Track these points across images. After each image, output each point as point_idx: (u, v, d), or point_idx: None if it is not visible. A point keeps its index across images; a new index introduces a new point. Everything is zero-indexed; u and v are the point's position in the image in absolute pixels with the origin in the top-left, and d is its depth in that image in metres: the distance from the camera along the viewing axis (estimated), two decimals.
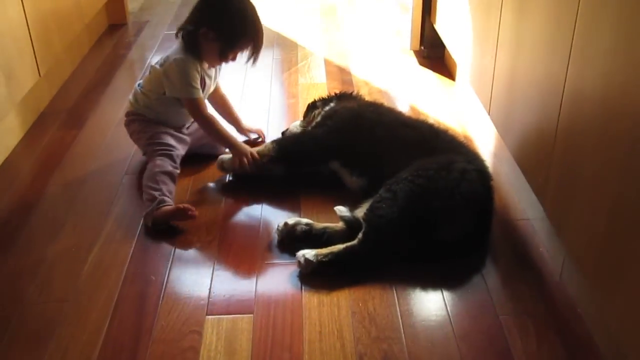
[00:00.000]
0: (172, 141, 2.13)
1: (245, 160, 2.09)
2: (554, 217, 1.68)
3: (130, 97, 2.23)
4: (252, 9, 2.09)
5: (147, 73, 2.21)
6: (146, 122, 2.17)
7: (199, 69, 2.09)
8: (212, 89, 2.25)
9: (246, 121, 2.45)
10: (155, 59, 3.18)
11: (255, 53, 2.11)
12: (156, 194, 1.95)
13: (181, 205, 1.92)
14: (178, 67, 2.06)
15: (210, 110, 2.23)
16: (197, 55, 2.08)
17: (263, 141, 2.40)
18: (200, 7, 2.08)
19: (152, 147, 2.11)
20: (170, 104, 2.13)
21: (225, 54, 2.08)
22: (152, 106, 2.16)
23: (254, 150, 2.12)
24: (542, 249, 1.84)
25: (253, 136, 2.43)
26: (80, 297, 1.70)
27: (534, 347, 1.53)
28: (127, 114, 2.24)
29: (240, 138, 2.32)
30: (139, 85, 2.21)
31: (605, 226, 1.37)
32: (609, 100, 1.34)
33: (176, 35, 2.12)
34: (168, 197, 1.96)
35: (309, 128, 2.23)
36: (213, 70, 2.20)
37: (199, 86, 2.08)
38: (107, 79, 3.03)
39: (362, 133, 2.07)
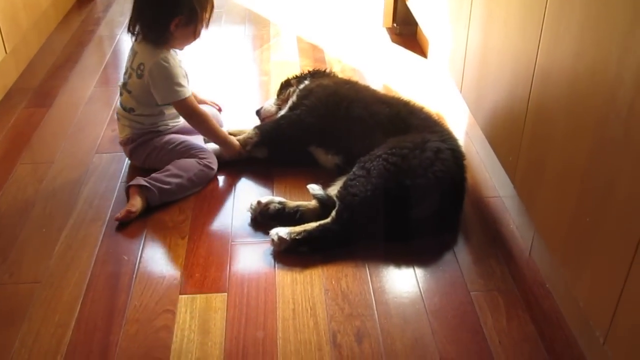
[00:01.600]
0: (196, 141, 2.09)
1: (236, 155, 2.10)
2: (524, 194, 1.70)
3: (123, 125, 2.07)
4: None
5: (120, 94, 2.07)
6: (156, 136, 2.06)
7: (180, 64, 2.01)
8: None
9: (201, 93, 2.37)
10: (125, 36, 3.16)
11: (212, 12, 2.04)
12: (169, 186, 1.94)
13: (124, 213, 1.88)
14: (159, 70, 1.95)
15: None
16: (171, 46, 2.00)
17: (220, 110, 2.37)
18: (156, 4, 1.95)
19: (180, 148, 2.05)
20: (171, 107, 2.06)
21: (198, 29, 2.00)
22: (156, 120, 2.06)
23: (242, 139, 2.12)
24: (512, 226, 1.87)
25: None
26: (52, 278, 1.68)
27: (504, 322, 1.55)
28: (128, 141, 2.07)
29: None
30: (129, 110, 2.04)
31: (573, 204, 1.39)
32: (578, 79, 1.36)
33: (135, 37, 2.01)
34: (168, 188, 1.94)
35: (286, 111, 2.21)
36: (177, 52, 2.08)
37: (186, 83, 2.00)
38: (76, 56, 2.97)
39: (339, 110, 2.07)
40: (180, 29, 1.96)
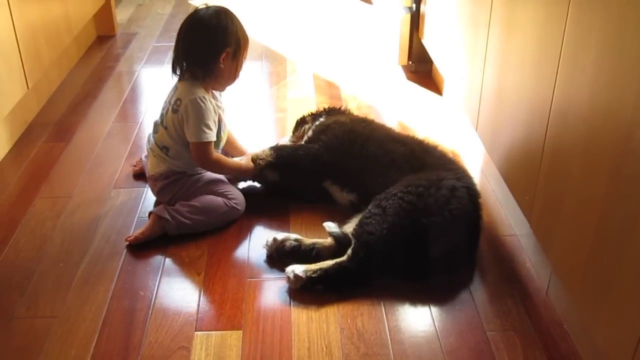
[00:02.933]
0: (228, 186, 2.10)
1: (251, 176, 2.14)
2: (541, 233, 1.69)
3: (157, 161, 2.07)
4: (234, 15, 2.06)
5: (155, 132, 2.07)
6: (188, 177, 2.06)
7: (214, 104, 2.02)
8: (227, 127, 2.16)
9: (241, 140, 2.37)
10: (144, 72, 3.22)
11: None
12: (190, 222, 1.96)
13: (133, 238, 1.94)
14: (194, 106, 1.96)
15: None
16: (214, 84, 2.05)
17: None
18: (206, 37, 1.99)
19: (209, 186, 2.06)
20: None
21: (240, 65, 2.05)
22: (191, 162, 2.05)
23: (254, 154, 2.13)
24: (529, 265, 1.86)
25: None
26: (68, 313, 1.69)
27: None
28: (160, 177, 2.05)
29: None
30: (162, 148, 2.04)
31: (591, 243, 1.38)
32: (594, 119, 1.36)
33: (174, 73, 2.04)
34: (185, 223, 1.96)
35: (304, 143, 2.23)
36: (221, 100, 2.13)
37: (213, 128, 1.99)
38: (95, 92, 3.02)
39: (354, 148, 2.08)
40: (227, 63, 2.01)
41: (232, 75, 2.06)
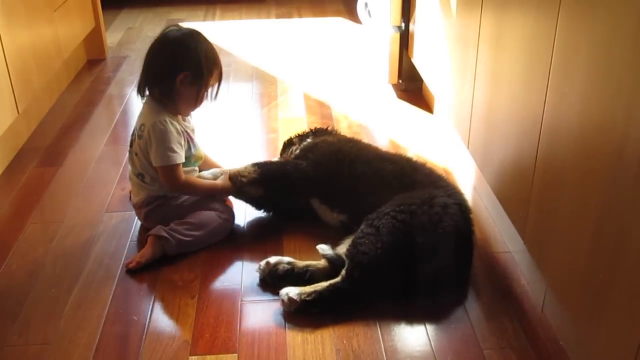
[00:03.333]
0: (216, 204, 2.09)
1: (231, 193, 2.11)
2: (535, 250, 1.69)
3: (137, 189, 2.07)
4: (208, 41, 2.03)
5: (130, 159, 2.07)
6: (172, 200, 2.05)
7: (178, 127, 1.99)
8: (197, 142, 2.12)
9: (213, 156, 2.33)
10: (134, 95, 3.19)
11: (219, 84, 2.07)
12: (189, 238, 1.96)
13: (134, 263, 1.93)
14: (155, 130, 1.95)
15: None
16: (174, 108, 2.00)
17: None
18: (168, 53, 1.98)
19: (197, 203, 2.05)
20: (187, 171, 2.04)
21: (202, 94, 2.01)
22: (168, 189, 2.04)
23: (233, 173, 2.08)
24: (523, 281, 1.86)
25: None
26: (61, 339, 1.67)
27: None
28: (142, 204, 2.06)
29: None
30: (138, 175, 2.04)
31: (585, 259, 1.38)
32: (585, 136, 1.37)
33: (142, 96, 2.02)
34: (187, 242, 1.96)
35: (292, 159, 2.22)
36: (189, 121, 2.10)
37: (178, 150, 1.96)
38: (86, 115, 3.02)
39: (343, 167, 2.08)
40: (185, 86, 1.97)
41: (192, 100, 2.01)
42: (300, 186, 2.10)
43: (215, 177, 2.10)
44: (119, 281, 1.88)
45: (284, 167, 2.15)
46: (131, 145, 2.06)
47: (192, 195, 2.06)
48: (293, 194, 2.13)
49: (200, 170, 2.15)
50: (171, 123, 1.97)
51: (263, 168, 2.11)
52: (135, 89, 2.05)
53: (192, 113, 2.12)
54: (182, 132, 2.00)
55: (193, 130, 2.10)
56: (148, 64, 2.01)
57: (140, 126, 2.00)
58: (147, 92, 2.02)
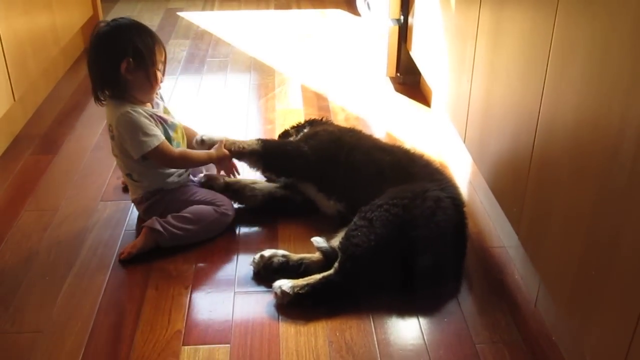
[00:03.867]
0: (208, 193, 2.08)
1: (229, 164, 2.09)
2: (529, 245, 1.70)
3: (132, 186, 2.07)
4: (134, 22, 1.98)
5: (116, 160, 2.08)
6: (169, 193, 2.04)
7: (144, 113, 1.94)
8: (176, 120, 2.08)
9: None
10: None
11: (165, 58, 2.00)
12: (182, 232, 1.95)
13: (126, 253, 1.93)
14: (123, 124, 1.92)
15: None
16: (133, 98, 1.96)
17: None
18: (103, 48, 1.94)
19: (196, 197, 2.04)
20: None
21: (153, 73, 1.95)
22: (161, 180, 2.03)
23: (234, 142, 2.08)
24: (517, 276, 1.86)
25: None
26: (54, 327, 1.67)
27: None
28: (141, 200, 2.05)
29: None
30: (127, 175, 2.04)
31: (579, 254, 1.39)
32: (581, 132, 1.37)
33: (99, 101, 1.98)
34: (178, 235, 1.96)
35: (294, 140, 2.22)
36: (157, 103, 2.06)
37: (154, 131, 1.93)
38: (83, 103, 3.00)
39: (341, 156, 2.08)
40: (131, 73, 1.92)
41: (145, 84, 1.96)
42: (298, 168, 2.11)
43: (210, 142, 2.07)
44: (112, 270, 1.88)
45: (285, 146, 2.17)
46: (112, 148, 2.05)
47: (190, 167, 2.08)
48: (291, 175, 2.13)
49: (195, 140, 2.11)
50: (134, 111, 1.93)
51: (266, 142, 2.13)
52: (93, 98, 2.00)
53: (159, 93, 2.08)
54: (152, 116, 1.96)
55: (168, 112, 2.07)
56: (91, 69, 1.97)
57: (109, 127, 1.99)
58: (101, 97, 1.98)
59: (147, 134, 1.92)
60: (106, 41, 1.94)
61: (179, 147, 2.05)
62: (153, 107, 2.02)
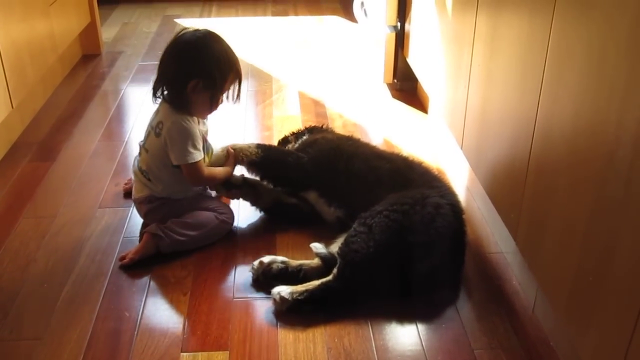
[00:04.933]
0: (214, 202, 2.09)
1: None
2: (526, 251, 1.70)
3: (141, 185, 2.04)
4: (224, 42, 1.99)
5: (139, 154, 2.05)
6: (173, 201, 2.04)
7: (199, 128, 1.98)
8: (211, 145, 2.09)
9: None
10: (129, 91, 3.22)
11: (239, 87, 2.03)
12: (184, 238, 1.96)
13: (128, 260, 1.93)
14: (177, 129, 1.92)
15: None
16: (190, 112, 1.96)
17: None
18: (179, 60, 1.94)
19: (198, 204, 2.05)
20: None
21: (217, 98, 1.97)
22: (172, 190, 2.02)
23: (237, 149, 2.08)
24: (515, 282, 1.87)
25: None
26: (53, 334, 1.67)
27: None
28: (145, 201, 2.03)
29: None
30: (144, 173, 2.02)
31: (576, 260, 1.39)
32: (578, 138, 1.38)
33: (155, 97, 1.99)
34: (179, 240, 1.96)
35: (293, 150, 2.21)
36: (204, 123, 2.07)
37: (200, 147, 1.96)
38: (81, 111, 3.01)
39: (340, 164, 2.08)
40: (197, 94, 1.93)
41: (206, 106, 1.98)
42: (297, 179, 2.11)
43: (224, 153, 2.08)
44: (111, 277, 1.88)
45: (285, 157, 2.15)
46: (144, 142, 2.03)
47: (212, 185, 2.09)
48: (289, 185, 2.13)
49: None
50: (192, 121, 1.95)
51: (265, 152, 2.11)
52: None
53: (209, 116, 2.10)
54: (200, 132, 1.98)
55: (207, 132, 2.08)
56: (161, 70, 1.98)
57: (158, 124, 1.97)
58: (159, 95, 1.99)
59: (195, 147, 1.93)
60: (185, 53, 1.93)
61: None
62: (199, 124, 2.02)
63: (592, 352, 1.35)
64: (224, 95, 2.01)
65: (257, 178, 2.13)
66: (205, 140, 2.04)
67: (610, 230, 1.25)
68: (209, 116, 2.09)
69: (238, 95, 2.03)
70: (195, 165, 1.94)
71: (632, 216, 1.18)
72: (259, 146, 2.13)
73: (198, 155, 1.95)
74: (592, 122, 1.31)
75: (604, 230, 1.27)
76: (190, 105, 1.96)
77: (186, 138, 1.93)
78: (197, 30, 1.97)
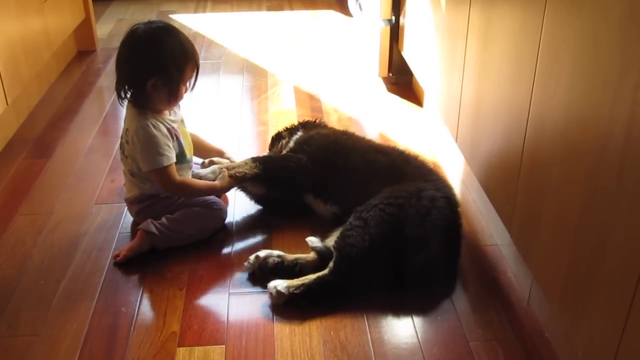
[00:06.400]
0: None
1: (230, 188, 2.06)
2: (521, 243, 1.71)
3: (130, 184, 2.04)
4: (178, 33, 1.93)
5: (122, 157, 2.04)
6: (165, 199, 2.03)
7: (163, 127, 1.92)
8: (188, 133, 2.08)
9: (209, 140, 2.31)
10: None
11: (197, 76, 1.97)
12: (177, 234, 1.96)
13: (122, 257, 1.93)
14: (142, 136, 1.89)
15: None
16: (154, 109, 1.93)
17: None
18: (135, 60, 1.90)
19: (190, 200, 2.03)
20: (181, 172, 2.00)
21: (176, 91, 1.92)
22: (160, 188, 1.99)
23: (233, 169, 2.03)
24: (510, 274, 1.87)
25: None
26: (50, 330, 1.68)
27: None
28: (135, 201, 2.03)
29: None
30: (132, 174, 2.01)
31: (569, 253, 1.40)
32: (570, 130, 1.38)
33: (120, 99, 1.94)
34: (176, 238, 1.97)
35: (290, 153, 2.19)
36: (175, 112, 2.03)
37: (167, 152, 1.91)
38: (76, 107, 3.01)
39: (338, 159, 2.07)
40: (157, 91, 1.90)
41: (166, 99, 1.93)
42: (301, 181, 2.08)
43: (215, 174, 2.02)
44: (107, 273, 1.88)
45: (286, 162, 2.11)
46: (122, 149, 2.02)
47: (190, 197, 2.01)
48: (295, 190, 2.11)
49: (202, 163, 2.12)
50: (154, 126, 1.90)
51: (265, 164, 2.06)
52: (115, 95, 1.97)
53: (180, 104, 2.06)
54: (170, 129, 1.95)
55: (182, 121, 2.06)
56: (118, 68, 1.94)
57: (126, 131, 1.97)
58: (123, 95, 1.94)
59: (159, 153, 1.89)
60: (140, 52, 1.90)
61: (191, 162, 2.06)
62: (170, 115, 2.00)
63: (586, 342, 1.36)
64: (188, 83, 1.96)
65: (262, 191, 2.13)
66: (177, 137, 1.98)
67: (603, 221, 1.26)
68: (180, 103, 2.04)
69: (193, 85, 1.98)
70: (164, 169, 1.91)
71: (624, 208, 1.18)
72: (254, 159, 2.07)
73: (166, 160, 1.90)
74: (585, 114, 1.32)
75: (597, 222, 1.28)
76: (152, 103, 1.93)
77: (150, 144, 1.89)
78: (149, 24, 1.91)
